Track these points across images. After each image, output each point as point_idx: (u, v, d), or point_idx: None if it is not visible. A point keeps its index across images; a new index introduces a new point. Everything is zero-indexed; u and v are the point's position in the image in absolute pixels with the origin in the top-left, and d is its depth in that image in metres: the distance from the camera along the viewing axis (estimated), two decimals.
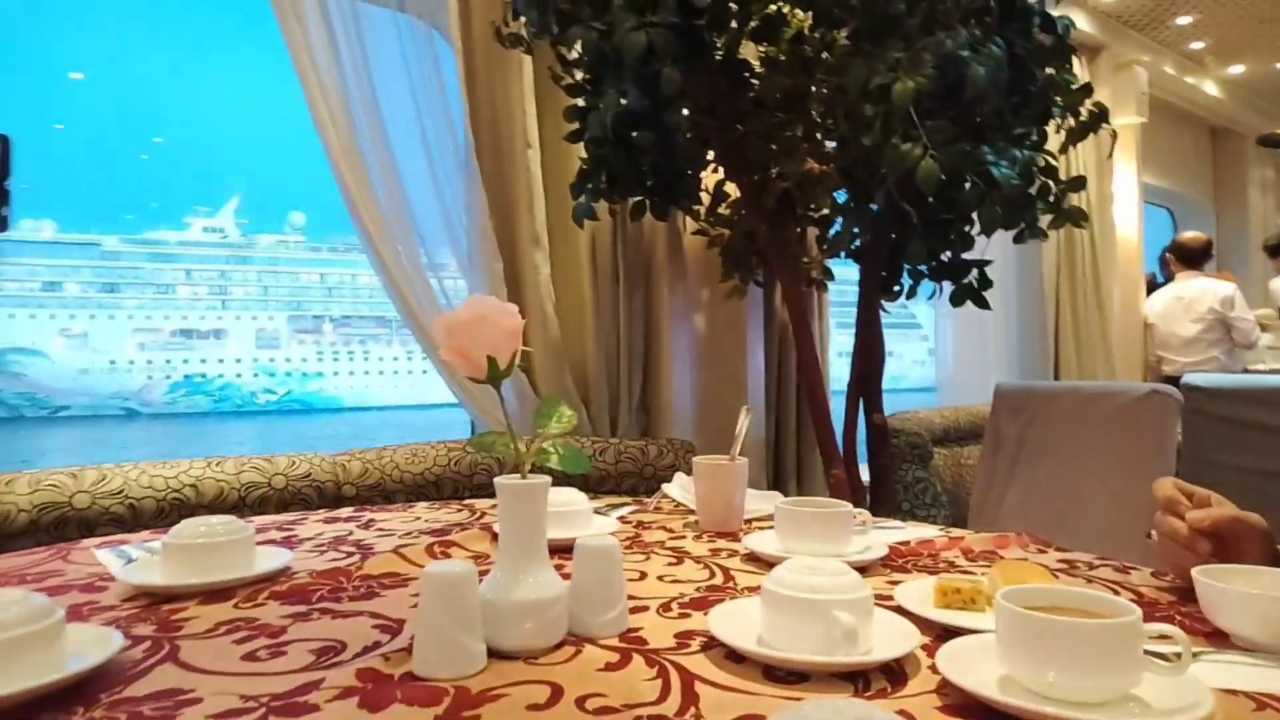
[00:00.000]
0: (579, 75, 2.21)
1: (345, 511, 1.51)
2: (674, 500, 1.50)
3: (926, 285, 2.54)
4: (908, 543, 1.18)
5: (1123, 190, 5.06)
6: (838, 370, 3.19)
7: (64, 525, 1.66)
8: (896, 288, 2.54)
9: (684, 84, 1.93)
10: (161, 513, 1.77)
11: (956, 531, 1.28)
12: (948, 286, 2.31)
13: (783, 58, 2.30)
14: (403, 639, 0.78)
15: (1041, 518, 1.63)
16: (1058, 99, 2.16)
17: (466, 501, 1.61)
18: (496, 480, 0.78)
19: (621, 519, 1.37)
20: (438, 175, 2.42)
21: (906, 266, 2.44)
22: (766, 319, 2.93)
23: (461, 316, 0.78)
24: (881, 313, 2.59)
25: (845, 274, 2.79)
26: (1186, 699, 0.60)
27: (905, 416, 3.06)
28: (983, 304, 2.24)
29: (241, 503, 1.80)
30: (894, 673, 0.71)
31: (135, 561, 1.06)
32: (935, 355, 4.64)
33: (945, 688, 0.67)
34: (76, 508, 1.69)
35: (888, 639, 0.73)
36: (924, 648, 0.75)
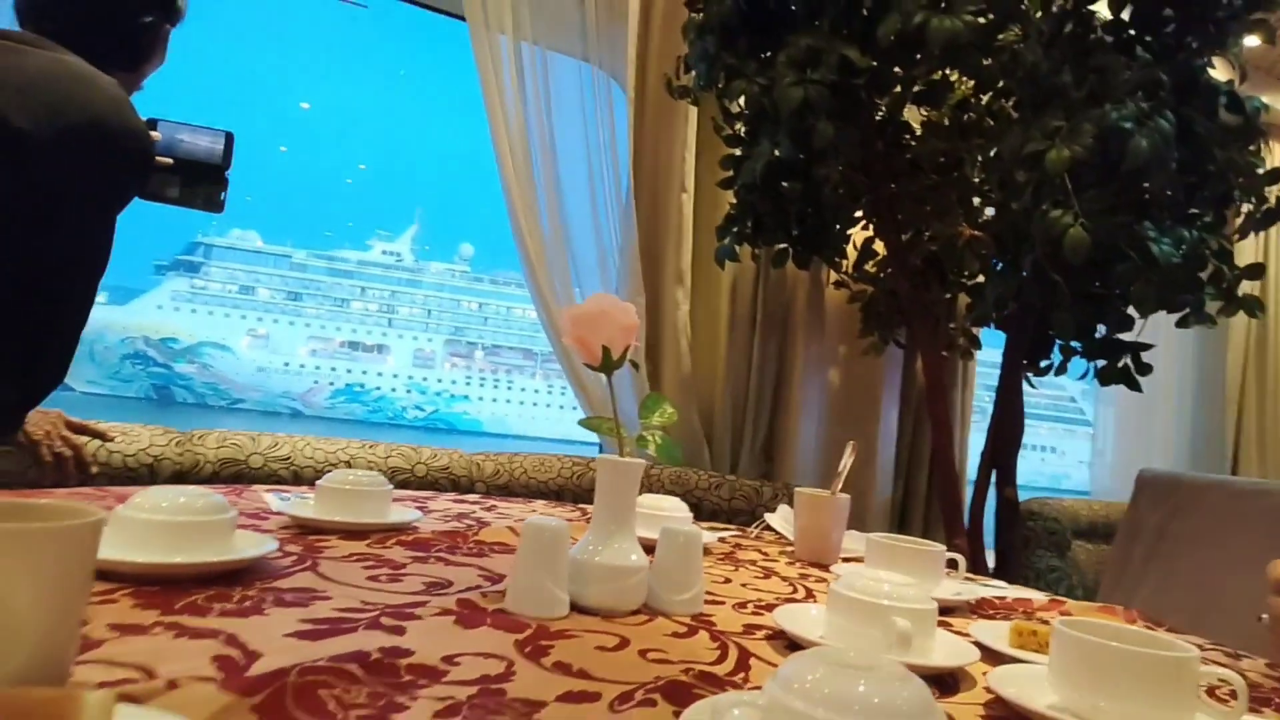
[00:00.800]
0: (739, 127, 2.33)
1: (473, 496, 1.66)
2: (775, 531, 1.53)
3: (1079, 364, 2.44)
4: (1004, 598, 1.16)
5: None
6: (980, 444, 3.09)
7: (239, 479, 1.90)
8: (1045, 362, 2.45)
9: (837, 140, 2.00)
10: (318, 479, 1.99)
11: (1062, 599, 1.24)
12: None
13: (945, 122, 2.33)
14: (501, 586, 0.88)
15: (1175, 613, 1.52)
16: (1240, 181, 2.05)
17: (581, 505, 1.71)
18: (598, 456, 0.86)
19: (720, 539, 1.42)
20: (598, 210, 2.61)
21: (1058, 342, 2.36)
22: (904, 381, 2.89)
23: (585, 309, 0.89)
24: (1027, 386, 2.51)
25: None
26: None
27: (1046, 501, 2.90)
28: (1133, 386, 2.13)
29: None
30: (945, 683, 0.73)
31: (291, 501, 1.23)
32: (1096, 452, 4.34)
33: (993, 703, 0.69)
34: (251, 466, 1.94)
35: (946, 654, 0.75)
36: (983, 674, 0.76)
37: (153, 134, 1.57)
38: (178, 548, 0.78)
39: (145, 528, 0.78)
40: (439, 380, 57.05)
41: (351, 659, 0.59)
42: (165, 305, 51.87)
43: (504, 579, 0.92)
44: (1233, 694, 0.62)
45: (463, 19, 2.47)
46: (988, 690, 0.71)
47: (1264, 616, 0.89)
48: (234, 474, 1.92)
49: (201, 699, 0.49)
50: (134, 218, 1.34)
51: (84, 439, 1.64)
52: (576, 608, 0.82)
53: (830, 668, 0.48)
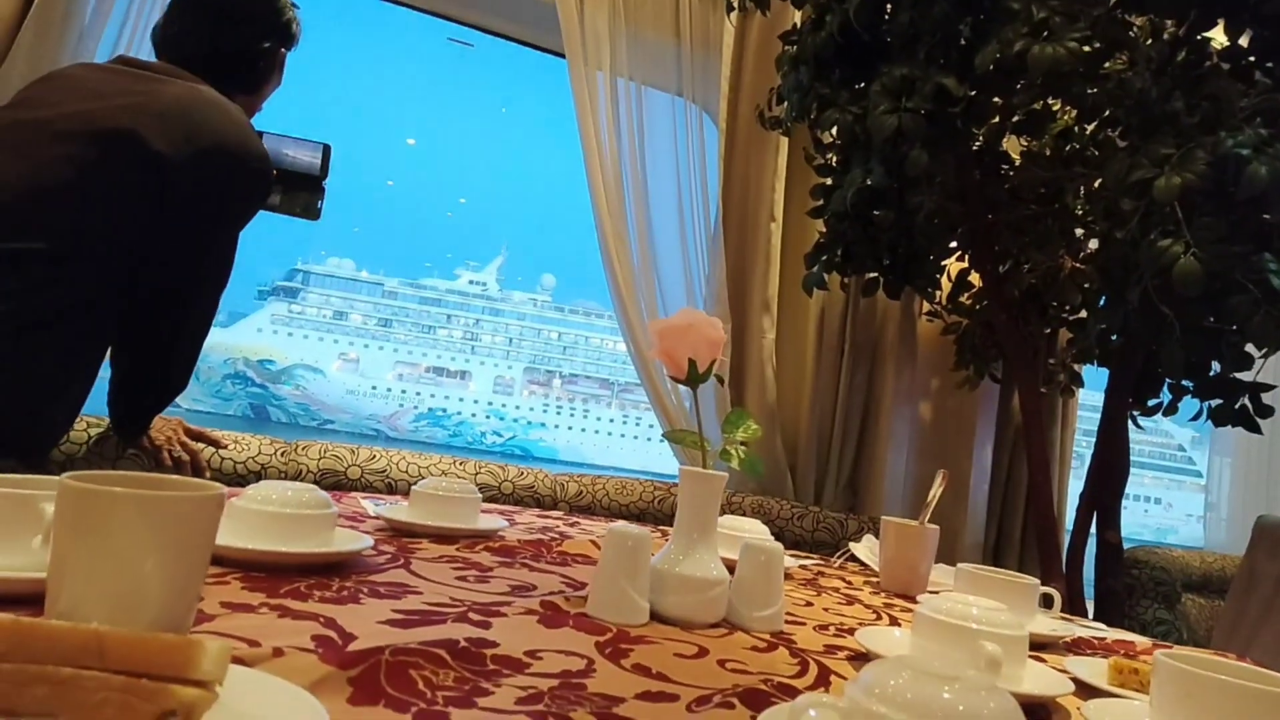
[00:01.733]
0: (830, 157, 2.32)
1: (557, 513, 1.68)
2: (860, 561, 1.50)
3: (1191, 406, 2.31)
4: (1104, 638, 1.10)
5: None
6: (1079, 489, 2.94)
7: (338, 488, 1.99)
8: (1153, 401, 2.33)
9: (932, 168, 1.97)
10: (410, 492, 2.07)
11: (1166, 644, 1.17)
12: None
13: (1046, 151, 2.26)
14: (583, 592, 0.90)
15: None
16: None
17: (663, 528, 1.72)
18: (681, 467, 0.88)
19: (802, 566, 1.40)
20: (686, 239, 2.64)
21: (1168, 380, 2.24)
22: (1000, 417, 2.78)
23: (673, 322, 0.90)
24: (1132, 429, 2.39)
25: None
26: None
27: (1154, 550, 2.73)
28: (1252, 428, 2.00)
29: None
30: (1035, 713, 0.70)
31: (386, 506, 1.28)
32: (1209, 505, 4.05)
33: None
34: (349, 477, 2.03)
35: (1038, 683, 0.72)
36: (1077, 708, 0.73)
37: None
38: (284, 538, 0.83)
39: (256, 518, 0.83)
40: (517, 407, 58.11)
41: (441, 645, 0.61)
42: (265, 328, 54.57)
43: (585, 586, 0.94)
44: None
45: (563, 56, 2.56)
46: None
47: None
48: (333, 484, 2.01)
49: (303, 667, 0.52)
50: (241, 245, 1.44)
51: (201, 445, 1.75)
52: (656, 617, 0.83)
53: (914, 674, 0.47)
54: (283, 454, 2.00)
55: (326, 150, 1.74)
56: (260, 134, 1.72)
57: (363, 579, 0.83)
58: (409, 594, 0.80)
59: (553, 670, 0.62)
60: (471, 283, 58.77)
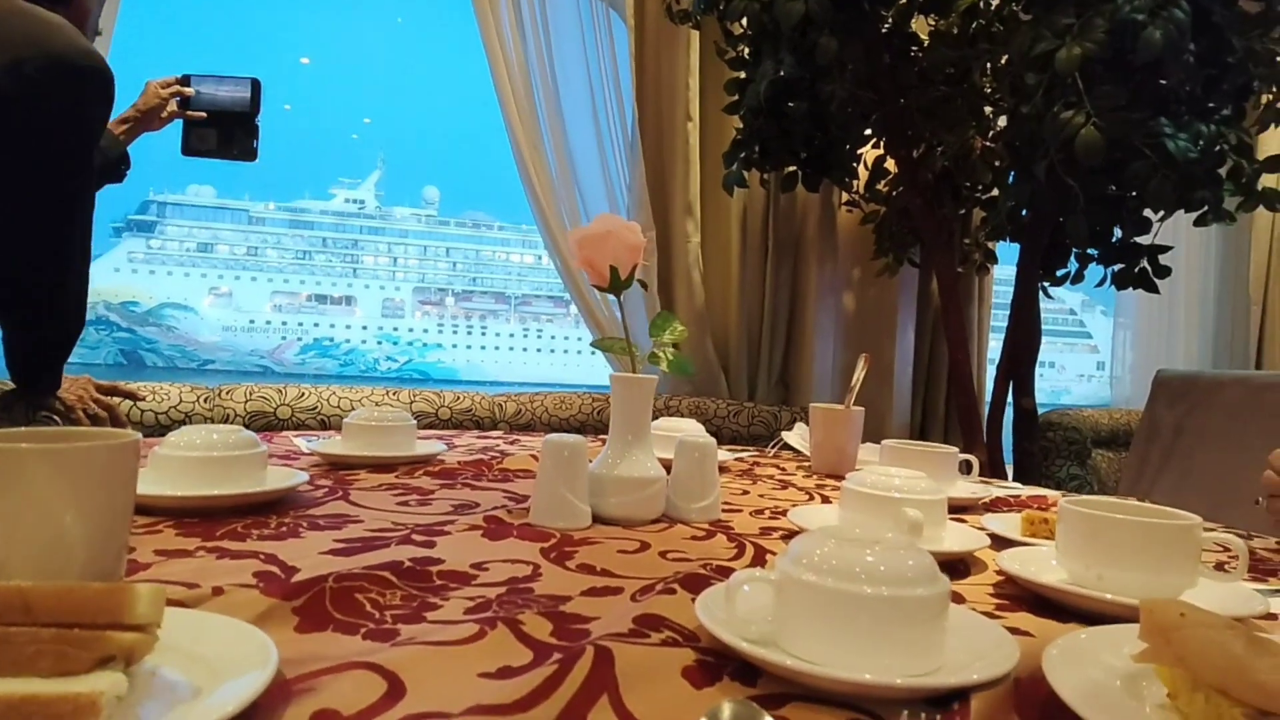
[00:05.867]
0: (742, 49, 2.28)
1: (496, 433, 1.69)
2: (793, 449, 1.56)
3: (1096, 271, 2.42)
4: (1018, 495, 1.18)
5: None
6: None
7: (269, 430, 1.95)
8: (1062, 271, 2.43)
9: (843, 55, 1.95)
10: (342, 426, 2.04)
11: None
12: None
13: (953, 30, 2.26)
14: (525, 505, 0.91)
15: (1193, 507, 1.54)
16: (1260, 71, 1.99)
17: (603, 437, 1.74)
18: (611, 374, 0.88)
19: (737, 459, 1.45)
20: (604, 145, 2.59)
21: (1075, 250, 2.33)
22: (920, 301, 2.87)
23: (591, 230, 0.89)
24: (1044, 297, 2.49)
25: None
26: (1239, 606, 0.61)
27: (1066, 412, 2.91)
28: (1151, 288, 2.11)
29: None
30: (956, 569, 0.75)
31: (320, 441, 1.27)
32: (1110, 369, 4.29)
33: (1003, 583, 0.71)
34: (279, 417, 1.99)
35: (957, 540, 0.78)
36: (993, 560, 0.78)
37: (186, 89, 1.65)
38: (214, 481, 0.81)
39: (182, 464, 0.81)
40: (410, 330, 55.91)
41: (386, 568, 0.62)
42: (123, 267, 50.36)
43: (528, 500, 0.95)
44: (1235, 558, 0.64)
45: None
46: (998, 573, 0.74)
47: (1261, 500, 0.91)
48: (263, 425, 1.97)
49: (245, 603, 0.53)
50: None
51: (116, 399, 1.68)
52: (598, 519, 0.85)
53: (839, 542, 0.50)
54: (205, 400, 1.94)
55: (255, 85, 1.69)
56: (188, 77, 1.65)
57: (301, 514, 0.83)
58: (349, 523, 0.80)
59: (499, 579, 0.64)
60: (349, 201, 55.36)
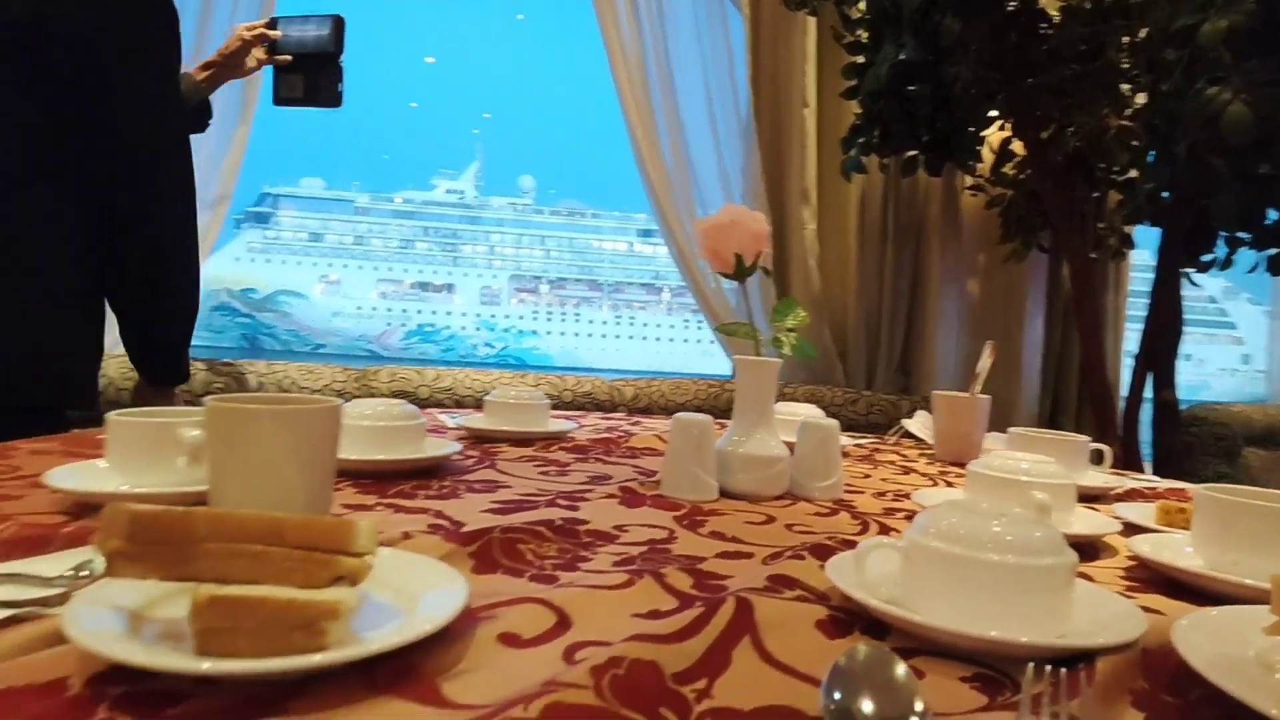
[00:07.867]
0: (860, 34, 2.26)
1: (619, 415, 1.77)
2: (914, 437, 1.56)
3: (1247, 257, 2.26)
4: (1155, 488, 1.15)
5: None
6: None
7: None
8: (1208, 256, 2.29)
9: (966, 35, 1.91)
10: (477, 407, 2.18)
11: None
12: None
13: (1087, 5, 2.17)
14: (656, 479, 0.97)
15: None
16: None
17: (720, 421, 1.79)
18: (736, 356, 0.93)
19: (857, 445, 1.46)
20: (719, 133, 2.62)
21: (1223, 235, 2.20)
22: (1051, 288, 2.77)
23: (716, 219, 0.94)
24: (1189, 284, 2.36)
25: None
26: None
27: (1213, 407, 2.74)
28: None
29: None
30: (1085, 551, 0.76)
31: (463, 417, 1.37)
32: (1268, 362, 3.97)
33: (1135, 568, 0.72)
34: (419, 396, 2.14)
35: (1087, 524, 0.78)
36: (1125, 546, 0.78)
37: (273, 33, 1.58)
38: (385, 447, 0.91)
39: (357, 431, 0.91)
40: (506, 316, 56.81)
41: (540, 524, 0.69)
42: (242, 257, 52.55)
43: (656, 474, 1.01)
44: None
45: None
46: (1130, 558, 0.74)
47: None
48: None
49: (430, 546, 0.60)
50: (200, 169, 1.29)
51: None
52: (724, 493, 0.90)
53: (965, 513, 0.53)
54: (356, 380, 2.11)
55: (338, 22, 1.57)
56: (274, 20, 1.58)
57: (458, 479, 0.92)
58: (500, 488, 0.88)
59: (640, 540, 0.70)
60: (449, 191, 56.76)
